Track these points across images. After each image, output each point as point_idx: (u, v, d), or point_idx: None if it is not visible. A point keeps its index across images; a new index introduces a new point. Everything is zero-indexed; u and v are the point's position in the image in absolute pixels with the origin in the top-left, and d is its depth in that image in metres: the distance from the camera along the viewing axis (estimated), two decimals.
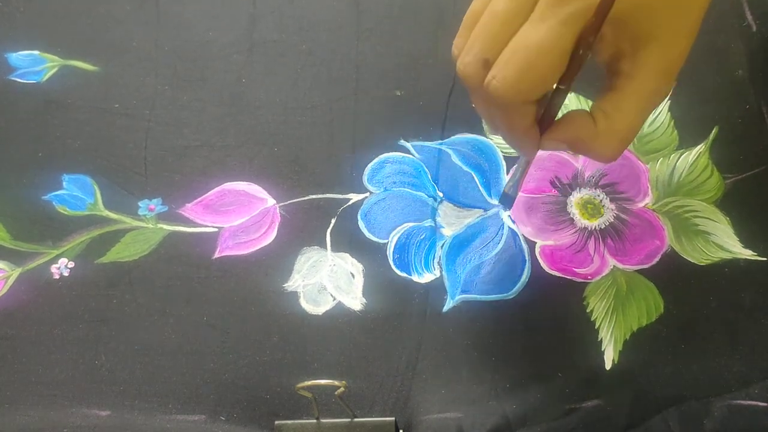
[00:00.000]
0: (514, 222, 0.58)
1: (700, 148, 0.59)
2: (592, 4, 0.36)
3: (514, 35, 0.38)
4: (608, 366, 0.52)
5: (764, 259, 0.55)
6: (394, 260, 0.57)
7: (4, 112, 0.63)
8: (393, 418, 0.49)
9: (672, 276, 0.55)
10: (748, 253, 0.55)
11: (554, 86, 0.40)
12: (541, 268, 0.56)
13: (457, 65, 0.41)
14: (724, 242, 0.56)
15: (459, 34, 0.42)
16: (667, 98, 0.60)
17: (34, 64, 0.65)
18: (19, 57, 0.65)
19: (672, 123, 0.60)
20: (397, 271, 0.57)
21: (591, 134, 0.42)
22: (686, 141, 0.59)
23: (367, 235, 0.58)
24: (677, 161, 0.59)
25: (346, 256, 0.57)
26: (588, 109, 0.43)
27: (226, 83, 0.64)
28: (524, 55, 0.37)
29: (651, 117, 0.60)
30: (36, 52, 0.65)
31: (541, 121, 0.42)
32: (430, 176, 0.60)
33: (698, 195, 0.57)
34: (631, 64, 0.40)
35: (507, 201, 0.53)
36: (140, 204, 0.59)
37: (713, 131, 0.59)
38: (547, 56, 0.37)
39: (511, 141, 0.45)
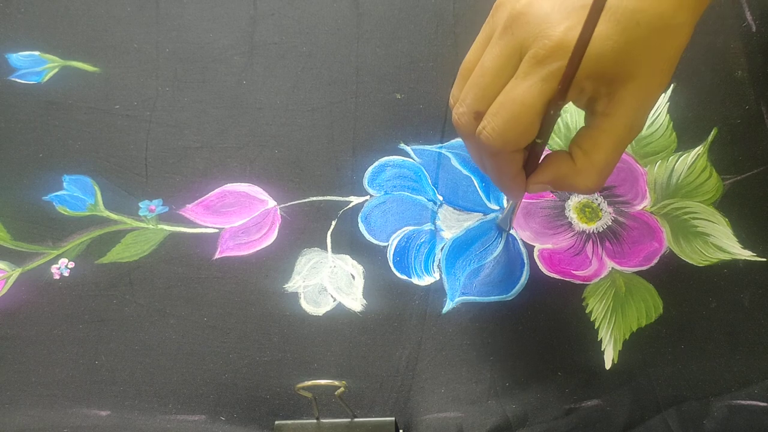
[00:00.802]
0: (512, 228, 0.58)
1: (699, 149, 0.59)
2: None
3: (501, 89, 0.42)
4: (608, 366, 0.52)
5: (763, 259, 0.55)
6: (394, 263, 0.57)
7: (5, 112, 0.63)
8: (393, 418, 0.49)
9: (671, 277, 0.55)
10: (747, 254, 0.56)
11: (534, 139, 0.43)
12: (540, 270, 0.56)
13: (452, 115, 0.45)
14: (723, 243, 0.56)
15: (455, 84, 0.46)
16: (666, 100, 0.61)
17: (35, 65, 0.65)
18: (20, 58, 0.65)
19: (671, 125, 0.60)
20: (398, 274, 0.57)
21: (571, 172, 0.45)
22: (685, 142, 0.60)
23: (368, 237, 0.58)
24: (676, 163, 0.59)
25: (347, 257, 0.57)
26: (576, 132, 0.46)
27: (227, 85, 0.64)
28: (510, 108, 0.41)
29: (650, 119, 0.60)
30: (36, 53, 0.65)
31: (525, 166, 0.46)
32: (430, 180, 0.60)
33: (697, 196, 0.58)
34: (607, 104, 0.42)
35: (500, 231, 0.57)
36: (141, 205, 0.59)
37: (712, 132, 0.60)
38: (530, 109, 0.40)
39: (501, 185, 0.48)
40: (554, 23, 0.39)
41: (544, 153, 0.46)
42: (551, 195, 0.59)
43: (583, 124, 0.45)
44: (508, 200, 0.55)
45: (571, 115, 0.61)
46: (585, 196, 0.58)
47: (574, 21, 0.38)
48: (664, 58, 0.42)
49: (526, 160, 0.45)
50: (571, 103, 0.44)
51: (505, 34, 0.42)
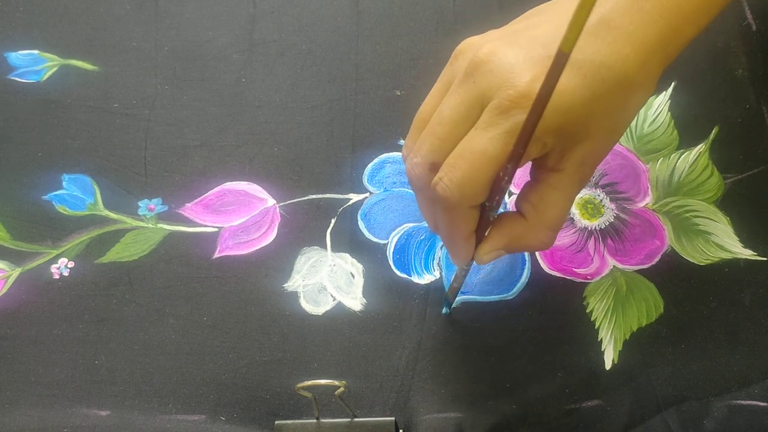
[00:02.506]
0: None
1: (700, 147, 0.59)
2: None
3: (460, 140, 0.39)
4: (608, 366, 0.52)
5: (764, 258, 0.55)
6: (394, 261, 0.57)
7: (4, 111, 0.63)
8: (393, 418, 0.49)
9: (672, 276, 0.55)
10: (748, 253, 0.55)
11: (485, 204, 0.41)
12: (541, 268, 0.56)
13: (406, 166, 0.43)
14: (724, 242, 0.56)
15: (409, 134, 0.44)
16: (668, 98, 0.61)
17: (34, 64, 0.65)
18: (19, 56, 0.65)
19: (672, 123, 0.60)
20: (397, 272, 0.57)
21: (523, 230, 0.43)
22: (686, 141, 0.59)
23: (367, 235, 0.58)
24: (677, 161, 0.58)
25: (346, 256, 0.57)
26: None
27: (226, 83, 0.64)
28: (470, 159, 0.38)
29: (651, 117, 0.60)
30: (36, 52, 0.65)
31: (477, 230, 0.44)
32: None
33: (698, 195, 0.57)
34: (557, 160, 0.41)
35: (446, 303, 0.55)
36: (140, 204, 0.59)
37: (713, 131, 0.59)
38: (491, 162, 0.38)
39: (452, 247, 0.46)
40: (519, 73, 0.38)
41: None
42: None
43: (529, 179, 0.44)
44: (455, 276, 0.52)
45: None
46: (587, 191, 0.58)
47: (540, 71, 0.36)
48: (623, 117, 0.41)
49: (477, 224, 0.43)
50: None
51: (465, 82, 0.40)
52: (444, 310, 0.55)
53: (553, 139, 0.39)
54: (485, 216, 0.43)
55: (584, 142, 0.40)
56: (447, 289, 0.54)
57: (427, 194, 0.41)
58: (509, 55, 0.39)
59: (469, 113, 0.39)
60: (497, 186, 0.39)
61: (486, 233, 0.44)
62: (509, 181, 0.39)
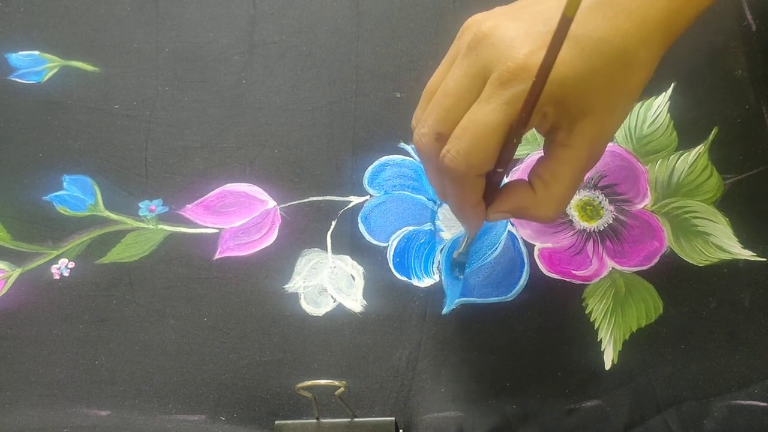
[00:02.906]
0: (513, 225, 0.58)
1: (700, 148, 0.59)
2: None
3: (465, 110, 0.41)
4: (608, 366, 0.52)
5: (763, 259, 0.55)
6: (394, 264, 0.57)
7: (5, 112, 0.63)
8: (393, 418, 0.49)
9: (671, 277, 0.55)
10: (747, 254, 0.55)
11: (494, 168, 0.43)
12: (540, 270, 0.56)
13: (413, 136, 0.45)
14: (723, 243, 0.56)
15: (419, 105, 0.46)
16: (667, 99, 0.61)
17: (35, 65, 0.65)
18: (20, 57, 0.65)
19: (671, 124, 0.60)
20: (397, 275, 0.57)
21: (530, 201, 0.45)
22: (686, 141, 0.59)
23: (368, 238, 0.58)
24: (677, 162, 0.59)
25: (347, 258, 0.57)
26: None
27: (227, 84, 0.64)
28: (474, 131, 0.40)
29: (651, 118, 0.60)
30: (36, 53, 0.65)
31: (485, 196, 0.45)
32: None
33: (698, 196, 0.57)
34: (566, 135, 0.42)
35: (458, 266, 0.56)
36: (141, 205, 0.60)
37: (713, 131, 0.59)
38: (494, 132, 0.40)
39: (460, 214, 0.48)
40: (518, 47, 0.39)
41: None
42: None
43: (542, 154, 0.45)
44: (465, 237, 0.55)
45: None
46: (586, 193, 0.58)
47: (538, 45, 0.38)
48: (624, 92, 0.42)
49: (485, 189, 0.45)
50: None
51: (468, 56, 0.41)
52: (455, 276, 0.56)
53: (552, 110, 0.41)
54: (494, 182, 0.44)
55: (588, 117, 0.41)
56: (455, 252, 0.56)
57: (435, 164, 0.43)
58: (510, 29, 0.40)
59: (472, 85, 0.41)
60: (503, 154, 0.41)
61: (495, 197, 0.46)
62: (514, 150, 0.41)
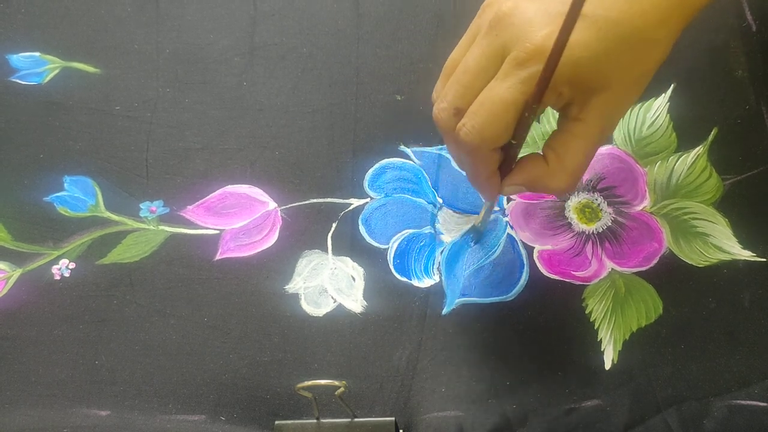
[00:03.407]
0: (512, 227, 0.58)
1: (699, 149, 0.59)
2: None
3: (482, 87, 0.42)
4: (608, 366, 0.52)
5: (763, 259, 0.55)
6: (394, 265, 0.57)
7: (6, 113, 0.63)
8: (393, 418, 0.49)
9: (671, 278, 0.55)
10: (746, 254, 0.55)
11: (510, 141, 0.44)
12: (540, 271, 0.56)
13: (433, 110, 0.45)
14: (722, 244, 0.56)
15: (439, 80, 0.47)
16: (667, 100, 0.61)
17: (35, 66, 0.65)
18: (20, 59, 0.65)
19: (671, 125, 0.60)
20: (398, 276, 0.57)
21: (545, 174, 0.46)
22: (685, 142, 0.60)
23: (368, 240, 0.58)
24: (675, 164, 0.59)
25: (347, 259, 0.57)
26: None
27: (227, 86, 0.64)
28: (490, 107, 0.41)
29: (650, 119, 0.60)
30: (37, 54, 0.66)
31: (501, 167, 0.47)
32: (430, 182, 0.60)
33: (697, 197, 0.58)
34: (580, 110, 0.43)
35: (475, 234, 0.58)
36: (141, 206, 0.60)
37: (712, 132, 0.59)
38: (509, 109, 0.41)
39: (476, 184, 0.49)
40: (536, 28, 0.40)
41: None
42: (551, 196, 0.59)
43: (556, 127, 0.46)
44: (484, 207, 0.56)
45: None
46: (584, 195, 0.58)
47: (555, 27, 0.38)
48: (639, 71, 0.43)
49: (501, 162, 0.46)
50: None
51: (488, 35, 0.42)
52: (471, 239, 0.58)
53: (568, 89, 0.42)
54: (510, 155, 0.46)
55: (603, 94, 0.42)
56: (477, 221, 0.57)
57: (452, 137, 0.44)
58: (529, 10, 0.41)
59: (490, 63, 0.42)
60: (518, 131, 0.43)
61: (511, 170, 0.47)
62: (529, 126, 0.43)
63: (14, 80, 0.65)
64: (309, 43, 0.66)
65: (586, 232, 0.57)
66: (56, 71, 0.65)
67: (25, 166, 0.61)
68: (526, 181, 0.47)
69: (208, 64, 0.65)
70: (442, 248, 0.57)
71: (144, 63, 0.65)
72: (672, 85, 0.61)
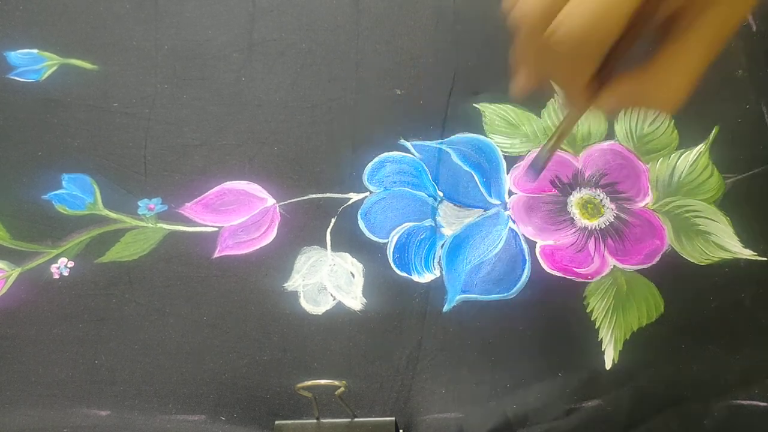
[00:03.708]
0: (514, 222, 0.58)
1: (701, 148, 0.59)
2: None
3: None
4: (608, 366, 0.52)
5: (764, 258, 0.55)
6: (394, 260, 0.57)
7: (3, 111, 0.63)
8: (393, 418, 0.49)
9: (672, 276, 0.55)
10: (748, 253, 0.55)
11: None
12: (542, 267, 0.56)
13: (514, 11, 0.39)
14: (724, 242, 0.56)
15: None
16: None
17: (33, 63, 0.65)
18: (18, 55, 0.65)
19: (672, 123, 0.60)
20: (398, 271, 0.57)
21: (651, 84, 0.40)
22: (686, 141, 0.59)
23: (367, 234, 0.58)
24: (677, 161, 0.59)
25: (346, 255, 0.57)
26: None
27: (226, 82, 0.64)
28: (594, 6, 0.35)
29: (651, 116, 0.60)
30: (35, 51, 0.65)
31: (598, 75, 0.40)
32: (430, 176, 0.60)
33: (698, 195, 0.57)
34: (693, 18, 0.38)
35: (535, 167, 0.49)
36: (140, 203, 0.59)
37: (713, 131, 0.59)
38: (617, 9, 0.35)
39: (568, 92, 0.42)
40: None
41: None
42: (554, 191, 0.58)
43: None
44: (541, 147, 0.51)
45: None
46: (587, 191, 0.58)
47: None
48: None
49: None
50: None
51: None
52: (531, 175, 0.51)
53: None
54: (611, 59, 0.39)
55: (719, 5, 0.37)
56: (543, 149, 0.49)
57: (538, 41, 0.38)
58: None
59: None
60: (631, 30, 0.37)
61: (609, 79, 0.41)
62: (646, 23, 0.38)
63: (12, 77, 0.64)
64: (308, 39, 0.65)
65: (589, 228, 0.57)
66: (54, 68, 0.65)
67: (23, 164, 0.61)
68: (629, 92, 0.41)
69: (206, 60, 0.65)
70: (442, 241, 0.57)
71: (142, 59, 0.65)
72: None
